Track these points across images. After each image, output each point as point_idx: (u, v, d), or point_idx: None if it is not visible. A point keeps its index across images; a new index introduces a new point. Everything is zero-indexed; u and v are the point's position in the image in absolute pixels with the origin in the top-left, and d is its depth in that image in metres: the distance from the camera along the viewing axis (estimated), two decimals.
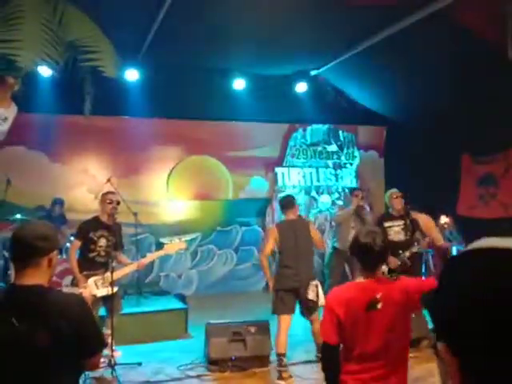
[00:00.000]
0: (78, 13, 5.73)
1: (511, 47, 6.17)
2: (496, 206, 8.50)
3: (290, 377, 5.03)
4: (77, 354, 1.98)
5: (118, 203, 5.54)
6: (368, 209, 7.91)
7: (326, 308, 2.71)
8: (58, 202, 8.06)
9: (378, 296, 2.55)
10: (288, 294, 5.14)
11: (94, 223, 5.44)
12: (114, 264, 5.19)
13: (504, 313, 0.71)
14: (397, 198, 6.43)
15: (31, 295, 1.97)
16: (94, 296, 5.14)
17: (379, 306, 2.54)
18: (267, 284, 5.57)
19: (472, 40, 6.52)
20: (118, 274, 5.26)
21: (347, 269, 7.69)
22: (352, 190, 8.08)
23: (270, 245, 5.28)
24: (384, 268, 5.45)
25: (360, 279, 2.70)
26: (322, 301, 4.94)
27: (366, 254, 2.64)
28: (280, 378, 5.01)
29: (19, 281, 2.01)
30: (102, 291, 5.20)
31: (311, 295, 5.03)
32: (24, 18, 5.16)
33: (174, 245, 5.65)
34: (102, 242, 5.37)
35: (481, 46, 6.56)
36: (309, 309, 5.17)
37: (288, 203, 5.54)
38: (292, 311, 5.20)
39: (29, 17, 5.24)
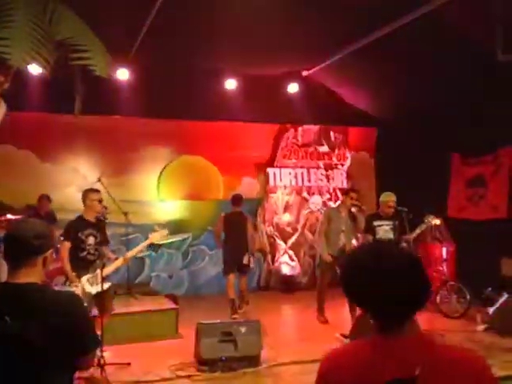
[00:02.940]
0: (69, 12, 5.70)
1: (500, 49, 6.24)
2: (485, 208, 8.56)
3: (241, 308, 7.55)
4: (72, 353, 1.96)
5: (101, 201, 5.55)
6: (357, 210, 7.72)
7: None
8: (44, 198, 7.99)
9: (417, 372, 1.35)
10: (233, 262, 7.59)
11: (80, 223, 5.48)
12: (103, 260, 5.22)
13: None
14: (390, 207, 6.51)
15: (27, 293, 1.94)
16: (89, 294, 5.14)
17: None
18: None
19: (462, 42, 6.56)
20: (107, 271, 5.27)
21: (338, 271, 7.67)
22: (347, 191, 7.75)
23: (220, 228, 7.78)
24: None
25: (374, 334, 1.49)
26: (251, 265, 7.86)
27: (374, 291, 1.45)
28: (235, 313, 7.28)
29: (13, 279, 1.98)
30: (96, 288, 5.20)
31: (245, 260, 7.55)
32: (14, 16, 5.13)
33: (157, 234, 5.68)
34: (91, 240, 5.41)
35: (471, 48, 6.61)
36: (243, 270, 7.69)
37: (239, 199, 7.90)
38: (234, 272, 7.63)
39: (19, 15, 5.21)
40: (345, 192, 7.80)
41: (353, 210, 7.25)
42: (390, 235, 6.47)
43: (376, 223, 6.57)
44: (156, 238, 5.68)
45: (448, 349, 1.46)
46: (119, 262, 5.51)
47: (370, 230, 6.58)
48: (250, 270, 8.07)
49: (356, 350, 1.50)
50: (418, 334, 1.45)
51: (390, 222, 6.53)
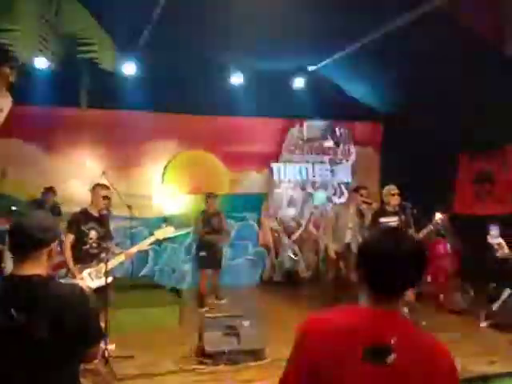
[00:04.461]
0: (75, 4, 5.69)
1: (510, 45, 6.19)
2: (492, 203, 8.54)
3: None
4: (76, 345, 1.97)
5: (108, 198, 5.56)
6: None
7: (297, 345, 1.68)
8: (48, 192, 8.01)
9: (393, 341, 1.47)
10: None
11: (84, 216, 5.49)
12: (108, 255, 5.22)
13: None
14: (394, 194, 6.47)
15: (32, 285, 1.95)
16: (89, 288, 5.16)
17: (391, 358, 1.46)
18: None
19: (470, 37, 6.51)
20: (110, 265, 5.29)
21: (342, 266, 7.64)
22: (356, 188, 7.67)
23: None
24: None
25: (363, 304, 1.62)
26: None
27: (381, 266, 1.57)
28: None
29: (19, 271, 1.99)
30: (96, 283, 5.22)
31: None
32: (20, 9, 5.14)
33: (162, 231, 5.68)
34: (93, 233, 5.43)
35: (479, 43, 6.56)
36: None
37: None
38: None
39: (25, 7, 5.22)
40: (354, 189, 7.73)
41: (363, 207, 7.20)
42: None
43: (382, 220, 6.50)
44: (161, 234, 5.69)
45: (423, 333, 1.60)
46: (122, 257, 5.52)
47: (375, 227, 6.51)
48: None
49: (342, 316, 1.61)
50: (400, 312, 1.62)
51: (396, 218, 6.46)
